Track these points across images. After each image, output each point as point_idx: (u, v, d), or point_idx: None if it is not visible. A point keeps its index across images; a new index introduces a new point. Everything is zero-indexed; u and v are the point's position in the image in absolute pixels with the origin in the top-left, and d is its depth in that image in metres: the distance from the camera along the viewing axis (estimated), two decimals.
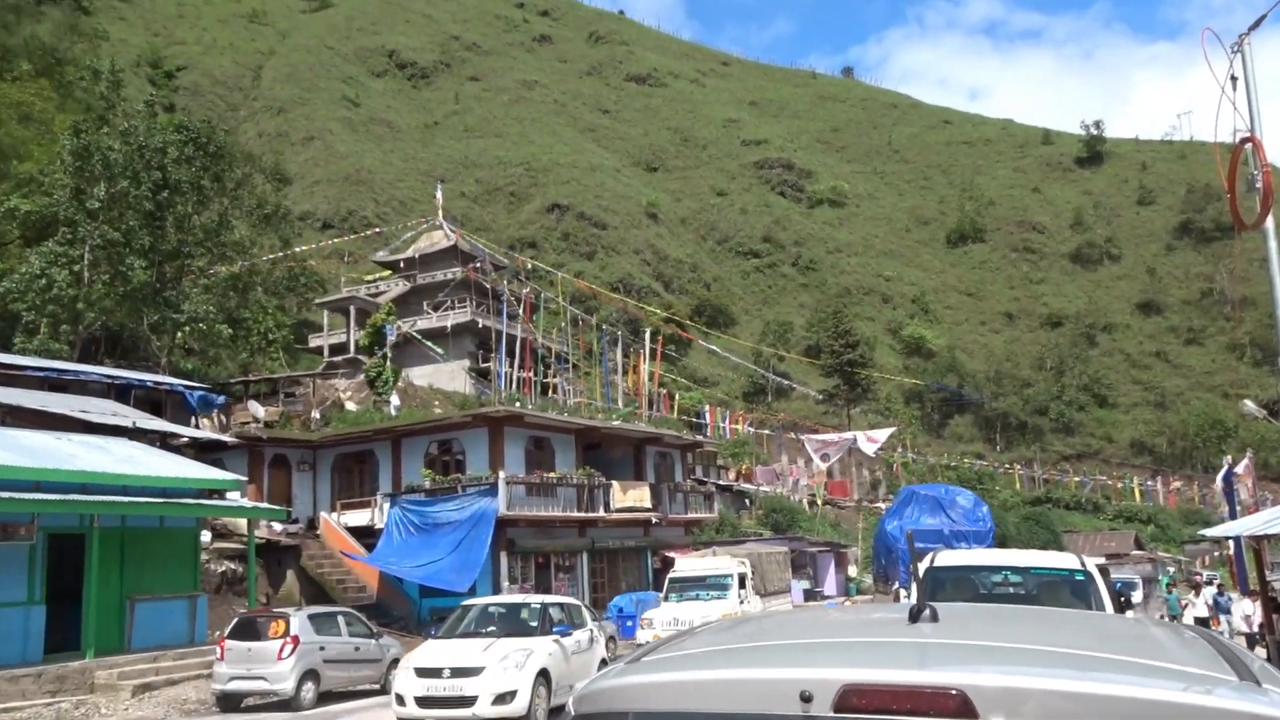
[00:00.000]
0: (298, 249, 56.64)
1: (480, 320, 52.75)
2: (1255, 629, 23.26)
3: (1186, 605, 28.22)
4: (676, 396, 61.78)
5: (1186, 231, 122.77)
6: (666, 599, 25.65)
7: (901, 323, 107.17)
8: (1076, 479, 78.80)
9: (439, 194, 64.00)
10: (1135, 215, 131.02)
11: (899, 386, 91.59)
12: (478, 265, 55.28)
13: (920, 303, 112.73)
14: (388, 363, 44.02)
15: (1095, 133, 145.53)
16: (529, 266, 60.68)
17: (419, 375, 51.41)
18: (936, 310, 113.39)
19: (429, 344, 51.29)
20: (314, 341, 56.60)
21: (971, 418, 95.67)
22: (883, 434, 47.25)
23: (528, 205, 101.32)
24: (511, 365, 45.38)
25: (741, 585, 25.98)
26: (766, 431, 67.15)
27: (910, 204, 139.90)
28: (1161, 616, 27.34)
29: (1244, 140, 8.98)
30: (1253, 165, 9.00)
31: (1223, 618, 25.90)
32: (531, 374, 46.42)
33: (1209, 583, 34.26)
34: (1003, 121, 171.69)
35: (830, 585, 42.08)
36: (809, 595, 37.94)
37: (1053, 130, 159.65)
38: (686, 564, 27.82)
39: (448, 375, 51.14)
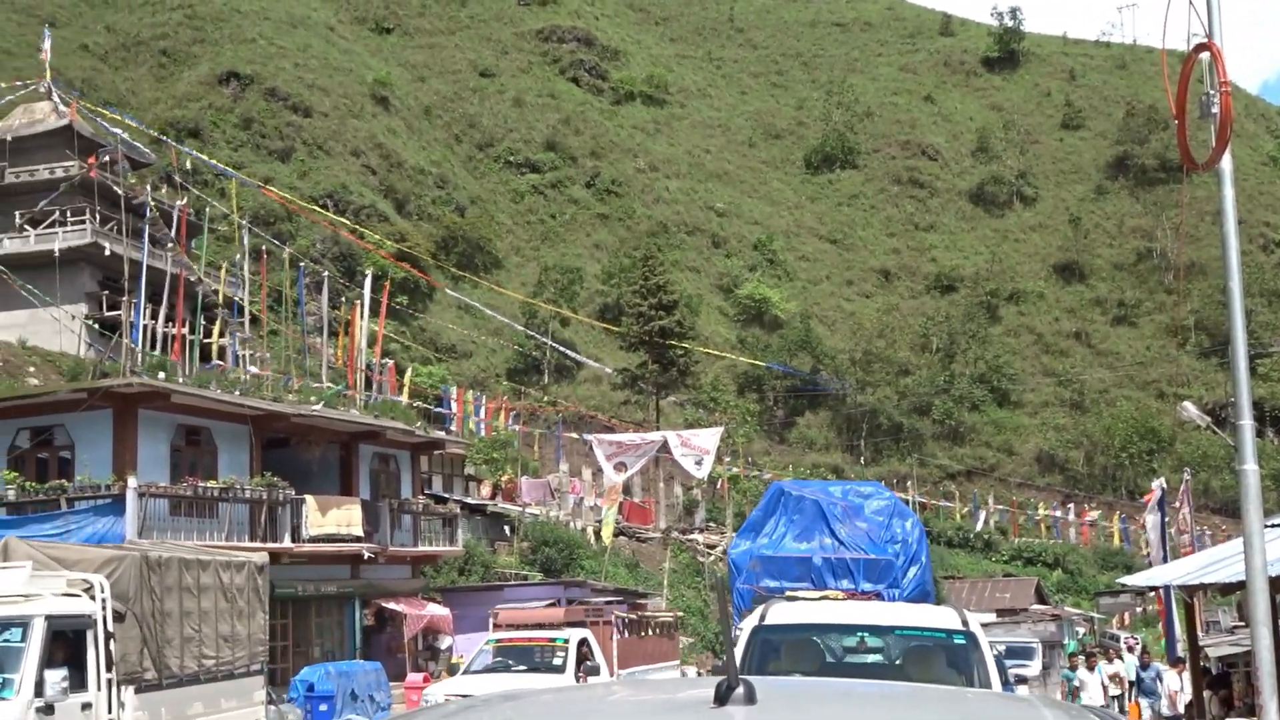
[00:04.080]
0: None
1: (108, 245, 51.72)
2: (1181, 710, 25.27)
3: (1080, 687, 29.39)
4: (409, 372, 61.42)
5: (1123, 169, 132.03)
6: None
7: (738, 277, 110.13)
8: (965, 507, 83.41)
9: (46, 45, 61.27)
10: (1058, 143, 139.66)
11: (730, 369, 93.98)
12: (106, 159, 53.43)
13: (765, 250, 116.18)
14: None
15: (1011, 24, 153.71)
16: (188, 166, 59.27)
17: (5, 325, 50.63)
18: (787, 262, 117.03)
19: (19, 280, 49.31)
20: None
21: (828, 416, 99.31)
22: (707, 437, 47.92)
23: (189, 72, 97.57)
24: (155, 316, 44.25)
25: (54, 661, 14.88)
26: (540, 430, 67.54)
27: (756, 108, 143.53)
28: (1065, 696, 29.34)
29: (1199, 48, 9.13)
30: (1209, 83, 9.13)
31: (1144, 701, 27.52)
32: (186, 330, 45.74)
33: (1131, 649, 37.07)
34: None
35: None
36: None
37: (955, 17, 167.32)
38: None
39: (52, 328, 50.09)
